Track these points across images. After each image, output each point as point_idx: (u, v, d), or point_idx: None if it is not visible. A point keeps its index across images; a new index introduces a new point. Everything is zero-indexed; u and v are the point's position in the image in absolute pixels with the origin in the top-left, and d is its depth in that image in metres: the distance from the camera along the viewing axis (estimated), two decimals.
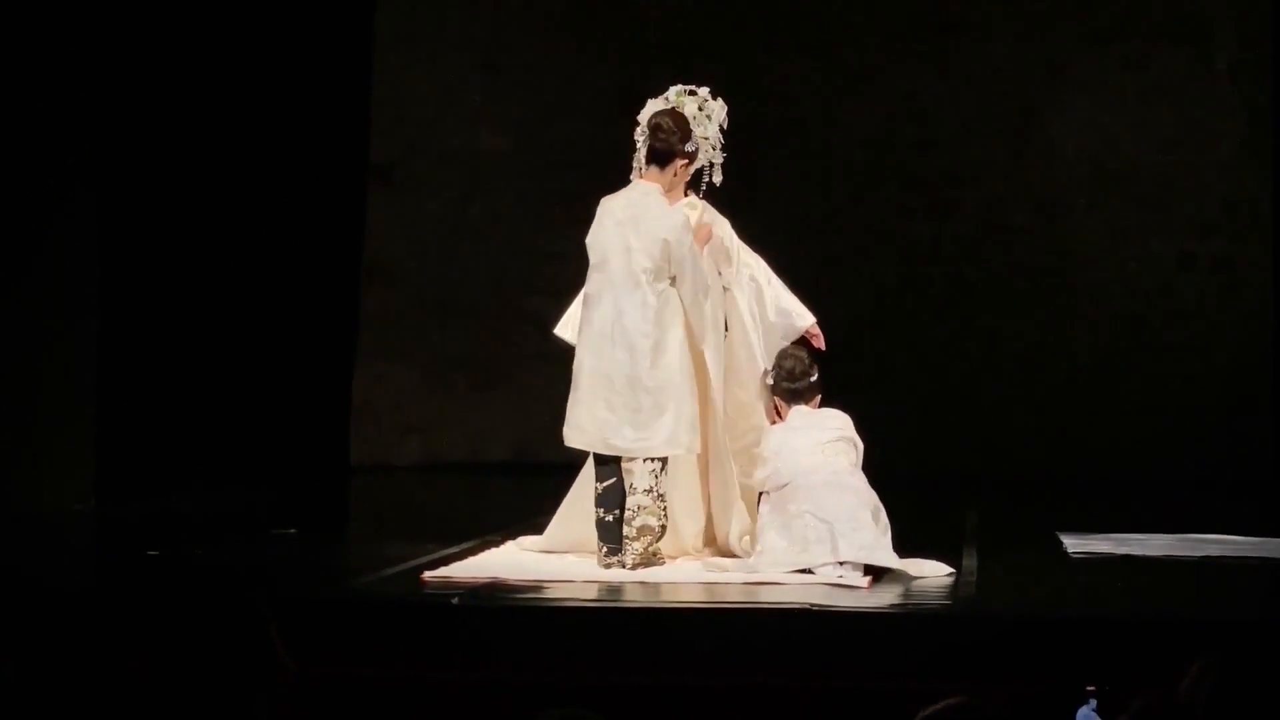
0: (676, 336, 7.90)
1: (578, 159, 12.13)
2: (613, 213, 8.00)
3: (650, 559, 7.86)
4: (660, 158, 8.01)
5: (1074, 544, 8.79)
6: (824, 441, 7.95)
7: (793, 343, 8.25)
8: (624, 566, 7.83)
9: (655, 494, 7.88)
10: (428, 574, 7.66)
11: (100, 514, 10.08)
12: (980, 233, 12.89)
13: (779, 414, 8.16)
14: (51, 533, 9.52)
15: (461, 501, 11.88)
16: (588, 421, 7.93)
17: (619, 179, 8.22)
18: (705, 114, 8.26)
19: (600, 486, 7.94)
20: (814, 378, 8.14)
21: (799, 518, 7.73)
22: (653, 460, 7.87)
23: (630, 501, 7.88)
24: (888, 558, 7.70)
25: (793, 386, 8.11)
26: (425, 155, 13.12)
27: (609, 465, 7.94)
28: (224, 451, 11.21)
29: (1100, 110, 12.80)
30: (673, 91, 8.30)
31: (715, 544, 8.23)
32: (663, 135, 7.99)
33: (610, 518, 7.90)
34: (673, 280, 7.90)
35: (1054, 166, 12.87)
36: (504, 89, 13.04)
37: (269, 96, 11.71)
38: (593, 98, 12.46)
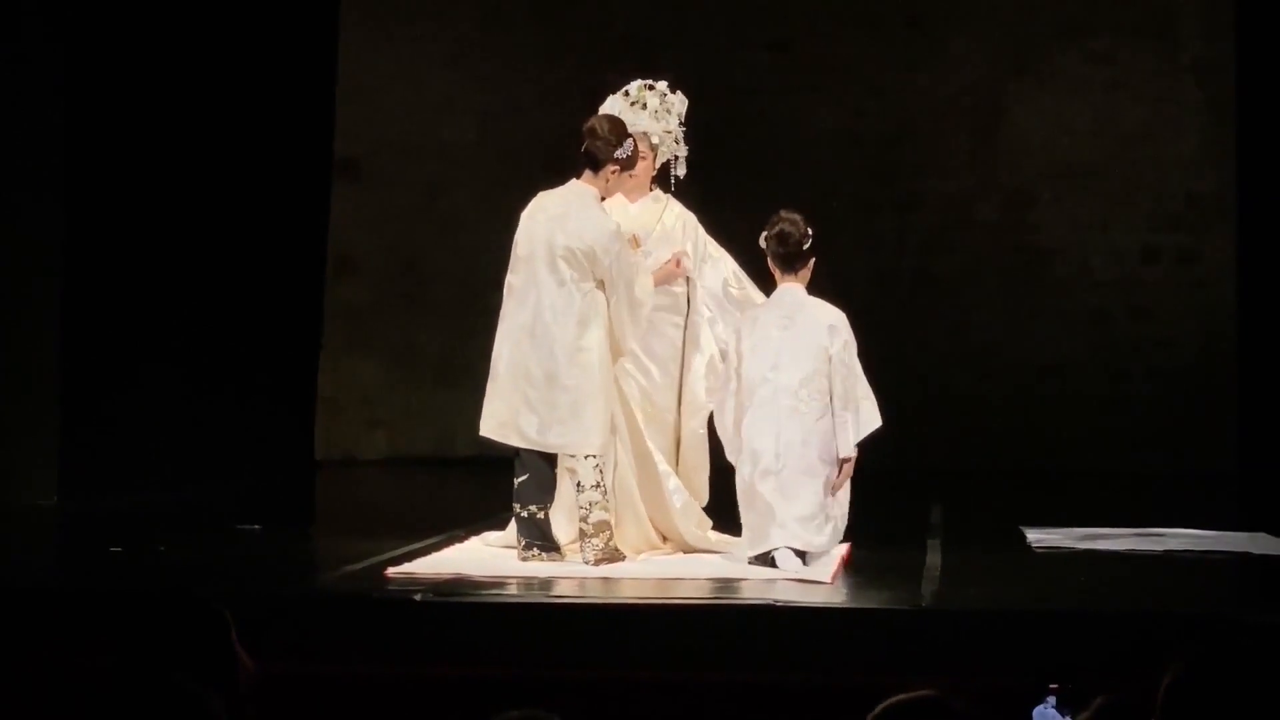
0: (597, 337, 7.89)
1: (543, 152, 12.12)
2: (545, 208, 8.00)
3: (613, 554, 7.87)
4: (592, 162, 7.99)
5: (1037, 538, 8.80)
6: (796, 387, 7.80)
7: (786, 209, 8.03)
8: (587, 563, 7.83)
9: (602, 489, 7.90)
10: (391, 570, 7.64)
11: (63, 509, 10.03)
12: (946, 226, 12.92)
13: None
14: (13, 528, 9.48)
15: (427, 496, 11.87)
16: (504, 413, 7.94)
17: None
18: (666, 108, 8.26)
19: (517, 481, 7.95)
20: (808, 245, 7.94)
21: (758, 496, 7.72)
22: (594, 455, 7.88)
23: (581, 499, 7.89)
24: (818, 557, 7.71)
25: (784, 251, 7.92)
26: (391, 149, 13.10)
27: (525, 459, 7.94)
28: (188, 446, 11.17)
29: (1065, 104, 12.84)
30: (633, 86, 8.30)
31: (669, 541, 8.25)
32: (597, 141, 7.97)
33: (526, 513, 7.92)
34: (600, 284, 7.90)
35: (1019, 160, 12.90)
36: (470, 82, 13.03)
37: (234, 90, 11.67)
38: (558, 91, 12.44)
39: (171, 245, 11.19)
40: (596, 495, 7.88)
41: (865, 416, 7.87)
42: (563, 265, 7.87)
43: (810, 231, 7.93)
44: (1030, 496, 11.01)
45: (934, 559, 8.15)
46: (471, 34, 13.06)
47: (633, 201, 8.36)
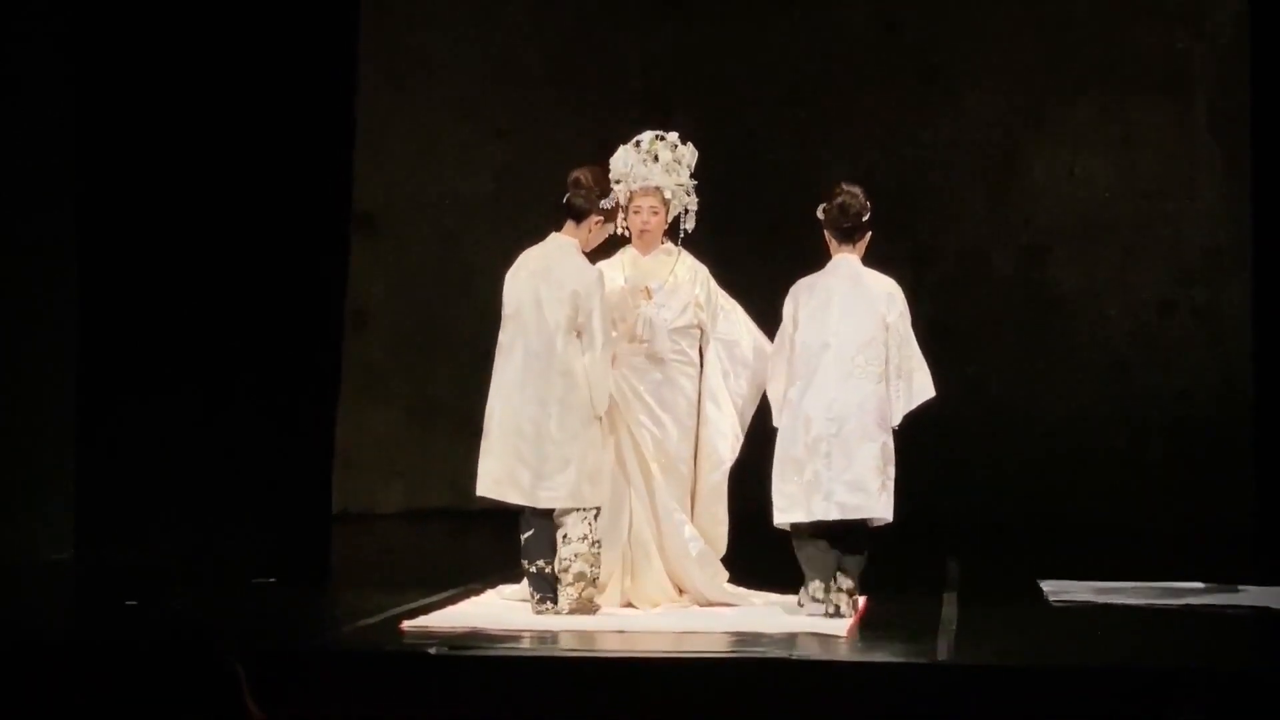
0: (584, 391, 7.91)
1: (558, 205, 12.12)
2: (527, 264, 8.07)
3: (585, 605, 7.89)
4: (575, 213, 8.06)
5: (1055, 592, 8.78)
6: (853, 353, 7.85)
7: (847, 182, 8.14)
8: (558, 612, 7.86)
9: (590, 541, 7.92)
10: (407, 623, 7.64)
11: (78, 563, 10.04)
12: (962, 279, 12.91)
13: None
14: (30, 582, 9.48)
15: (443, 549, 11.85)
16: (499, 471, 7.99)
17: None
18: (677, 159, 8.29)
19: (523, 538, 8.00)
20: (867, 217, 8.06)
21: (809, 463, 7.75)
22: (585, 509, 7.88)
23: (565, 550, 7.91)
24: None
25: (845, 224, 8.05)
26: (407, 202, 13.14)
27: (529, 516, 7.98)
28: (204, 499, 11.18)
29: (1081, 157, 12.85)
30: (645, 138, 8.34)
31: (685, 594, 8.25)
32: (580, 191, 8.02)
33: (534, 568, 7.96)
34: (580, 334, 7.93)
35: (1035, 213, 12.90)
36: (485, 136, 13.07)
37: (253, 144, 11.71)
38: (574, 144, 12.45)
39: (189, 300, 11.22)
40: (582, 547, 7.90)
41: (918, 386, 7.98)
42: (548, 318, 7.93)
43: (869, 204, 8.05)
44: (1047, 549, 10.97)
45: (950, 612, 8.13)
46: (487, 87, 13.11)
47: (645, 254, 8.38)
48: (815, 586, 7.85)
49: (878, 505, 7.86)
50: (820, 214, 8.08)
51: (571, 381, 7.90)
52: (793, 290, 8.09)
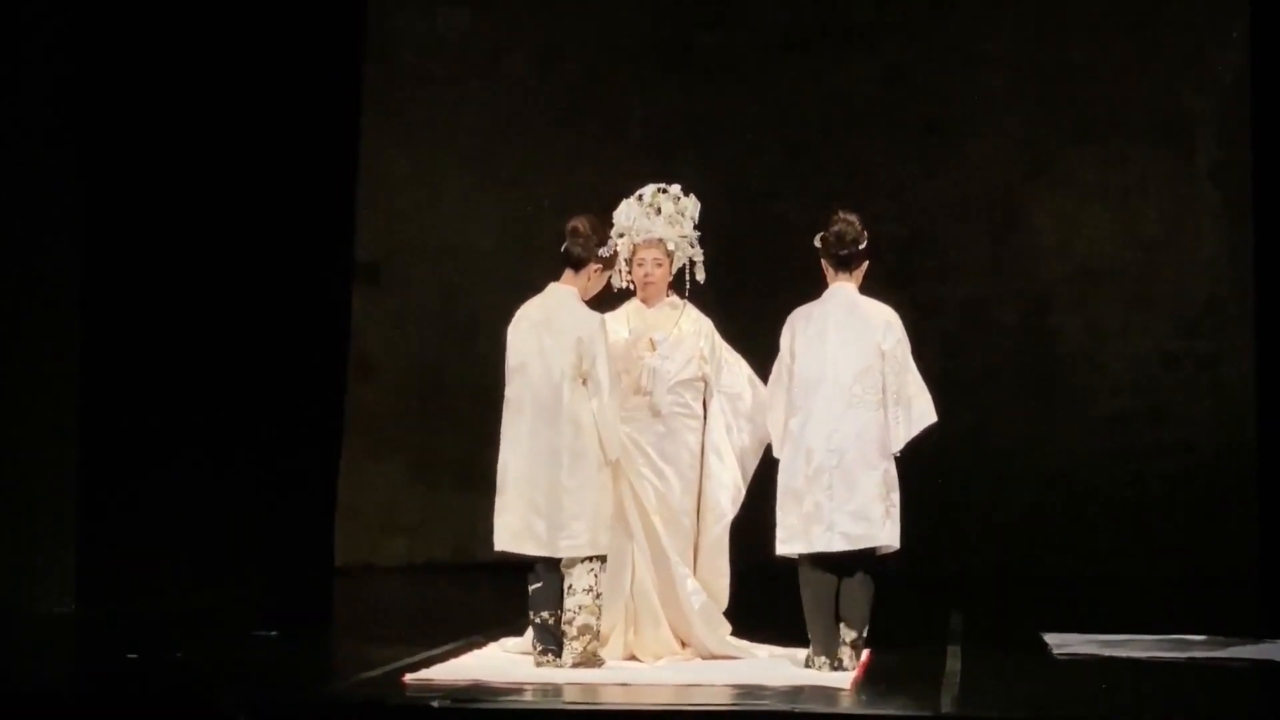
0: (594, 438, 7.91)
1: (557, 255, 12.14)
2: (529, 316, 8.09)
3: (590, 659, 7.89)
4: (573, 262, 8.09)
5: (1058, 644, 8.76)
6: (850, 382, 7.84)
7: (844, 209, 8.11)
8: (562, 665, 7.85)
9: (594, 594, 7.92)
10: (409, 676, 7.63)
11: (80, 616, 10.02)
12: (965, 330, 12.92)
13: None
14: (31, 635, 9.46)
15: (446, 602, 11.82)
16: (517, 524, 7.99)
17: None
18: (680, 210, 8.32)
19: (531, 589, 8.01)
20: (863, 245, 8.03)
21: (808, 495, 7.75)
22: (590, 560, 7.88)
23: (570, 602, 7.92)
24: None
25: (842, 252, 8.02)
26: (410, 253, 13.16)
27: (540, 568, 7.99)
28: (206, 552, 11.16)
29: (1083, 208, 12.88)
30: (647, 191, 8.36)
31: (688, 647, 8.23)
32: (579, 240, 8.05)
33: (539, 619, 7.97)
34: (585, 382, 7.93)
35: (1037, 264, 12.92)
36: (489, 187, 13.10)
37: (256, 196, 11.72)
38: (577, 195, 12.46)
39: (191, 351, 11.21)
40: (586, 599, 7.90)
41: (918, 412, 7.95)
42: (553, 368, 7.95)
43: (866, 232, 8.03)
44: (1050, 601, 10.95)
45: (954, 665, 8.11)
46: (490, 139, 13.14)
47: (650, 307, 8.40)
48: (820, 663, 7.81)
49: (882, 533, 7.83)
50: (817, 242, 8.08)
51: (580, 429, 7.91)
52: (789, 320, 8.08)
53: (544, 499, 7.93)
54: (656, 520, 8.21)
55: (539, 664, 7.92)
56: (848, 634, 7.81)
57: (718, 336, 8.43)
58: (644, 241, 8.34)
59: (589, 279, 8.10)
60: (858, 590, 7.83)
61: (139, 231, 10.81)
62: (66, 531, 10.24)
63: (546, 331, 7.99)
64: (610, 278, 8.25)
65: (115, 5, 10.45)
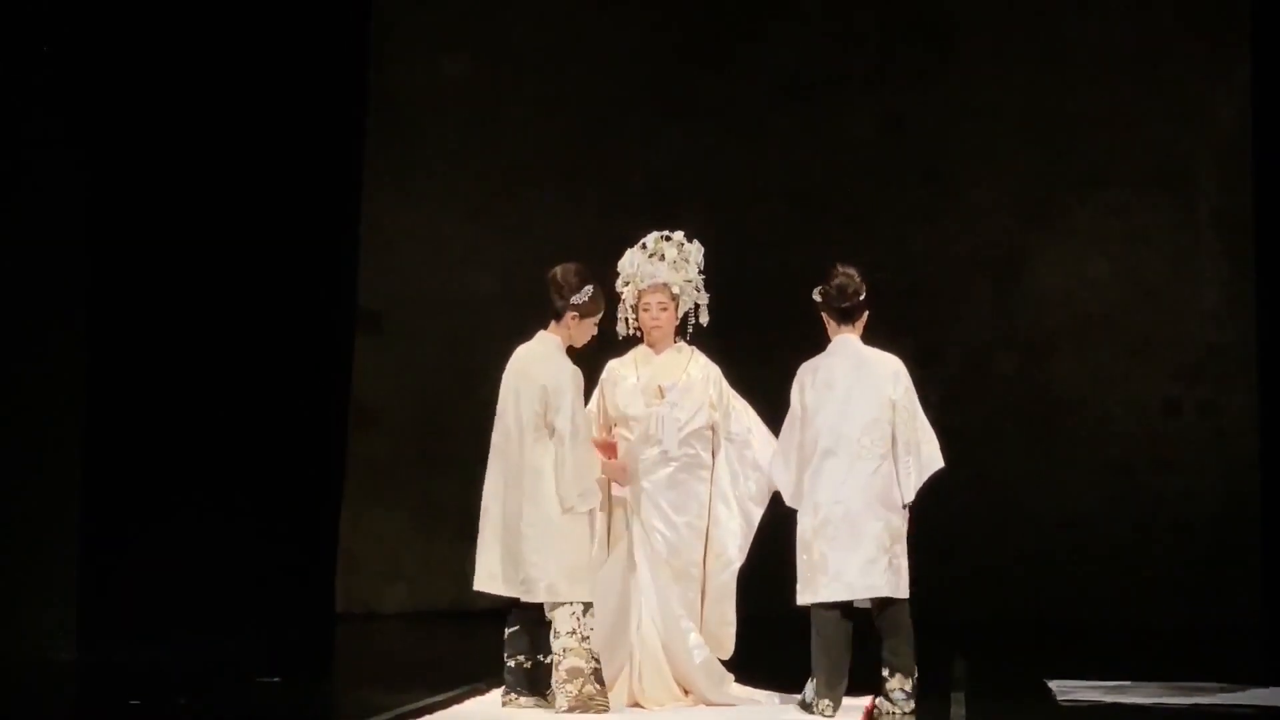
0: (553, 486, 7.94)
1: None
2: (514, 362, 8.17)
3: (586, 702, 7.85)
4: (553, 312, 8.14)
5: (1062, 691, 8.75)
6: (858, 435, 7.87)
7: (842, 263, 8.18)
8: (558, 710, 7.84)
9: (579, 636, 7.90)
10: None
11: (82, 663, 10.00)
12: (965, 378, 12.92)
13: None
14: (33, 683, 9.44)
15: (447, 649, 11.80)
16: (492, 565, 8.05)
17: (607, 323, 8.28)
18: (684, 257, 8.34)
19: (507, 632, 8.07)
20: (864, 296, 8.10)
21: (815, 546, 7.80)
22: (571, 604, 7.86)
23: (555, 645, 7.92)
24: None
25: (844, 305, 8.08)
26: (413, 301, 13.16)
27: (515, 612, 8.03)
28: (208, 599, 11.14)
29: (1084, 256, 12.90)
30: (650, 238, 8.39)
31: (690, 694, 8.22)
32: (554, 289, 8.10)
33: (513, 662, 8.02)
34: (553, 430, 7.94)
35: (1038, 312, 12.94)
36: (491, 235, 13.12)
37: (258, 244, 11.75)
38: (580, 243, 12.46)
39: (193, 400, 11.23)
40: (571, 642, 7.89)
41: (926, 457, 7.99)
42: (525, 415, 7.99)
43: (864, 283, 8.08)
44: (1053, 649, 10.93)
45: (959, 712, 8.10)
46: (493, 187, 13.16)
47: (657, 352, 8.40)
48: (824, 705, 7.81)
49: (884, 584, 7.84)
50: (817, 296, 8.13)
51: (540, 477, 7.95)
52: (798, 374, 8.14)
53: (513, 543, 7.97)
54: (665, 570, 8.19)
55: (504, 704, 7.99)
56: (900, 682, 7.80)
57: (725, 383, 8.44)
58: (649, 287, 8.35)
59: (569, 328, 8.14)
60: (892, 647, 7.86)
61: (144, 284, 10.84)
62: (68, 579, 10.24)
63: (522, 379, 8.07)
64: (595, 327, 8.21)
65: (127, 59, 10.52)
